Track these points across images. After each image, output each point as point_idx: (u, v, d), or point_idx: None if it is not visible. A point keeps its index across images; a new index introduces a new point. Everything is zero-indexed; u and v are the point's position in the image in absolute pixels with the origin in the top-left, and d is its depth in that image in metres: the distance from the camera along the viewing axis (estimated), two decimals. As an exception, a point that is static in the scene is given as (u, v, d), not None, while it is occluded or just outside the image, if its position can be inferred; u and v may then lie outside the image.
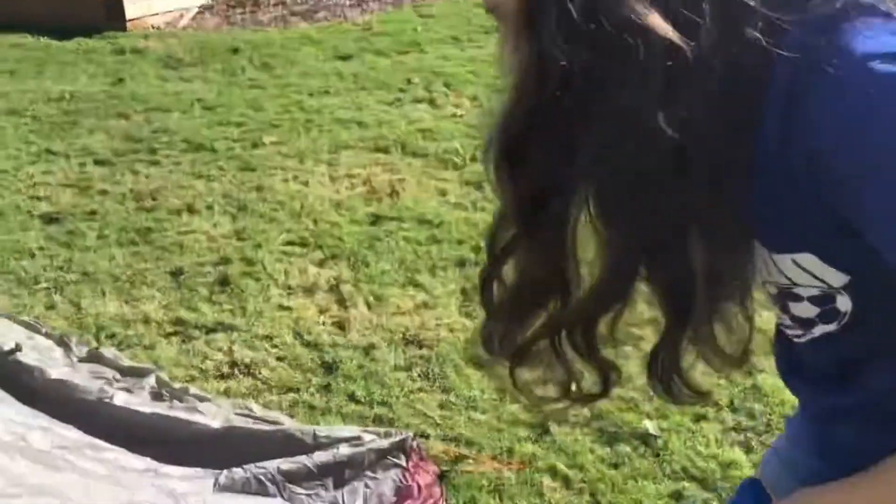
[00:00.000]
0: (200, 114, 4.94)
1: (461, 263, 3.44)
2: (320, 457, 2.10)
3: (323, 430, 2.18)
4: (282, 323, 3.07)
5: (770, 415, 2.57)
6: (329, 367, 2.84)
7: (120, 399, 2.06)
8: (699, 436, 2.50)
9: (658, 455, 2.43)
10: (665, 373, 0.79)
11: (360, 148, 4.52)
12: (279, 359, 2.88)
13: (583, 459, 2.42)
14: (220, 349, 2.92)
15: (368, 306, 3.18)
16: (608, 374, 0.82)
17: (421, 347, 2.94)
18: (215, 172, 4.23)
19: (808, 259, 0.74)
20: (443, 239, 3.62)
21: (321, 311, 3.16)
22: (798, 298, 0.80)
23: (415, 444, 2.23)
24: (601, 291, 0.74)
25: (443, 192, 4.04)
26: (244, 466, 2.05)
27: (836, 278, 0.75)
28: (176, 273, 3.37)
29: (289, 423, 2.29)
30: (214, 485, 2.00)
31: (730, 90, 0.66)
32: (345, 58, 5.96)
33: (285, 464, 2.07)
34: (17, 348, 2.05)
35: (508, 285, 0.80)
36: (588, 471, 2.38)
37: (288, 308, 3.17)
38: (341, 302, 3.21)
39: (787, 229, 0.74)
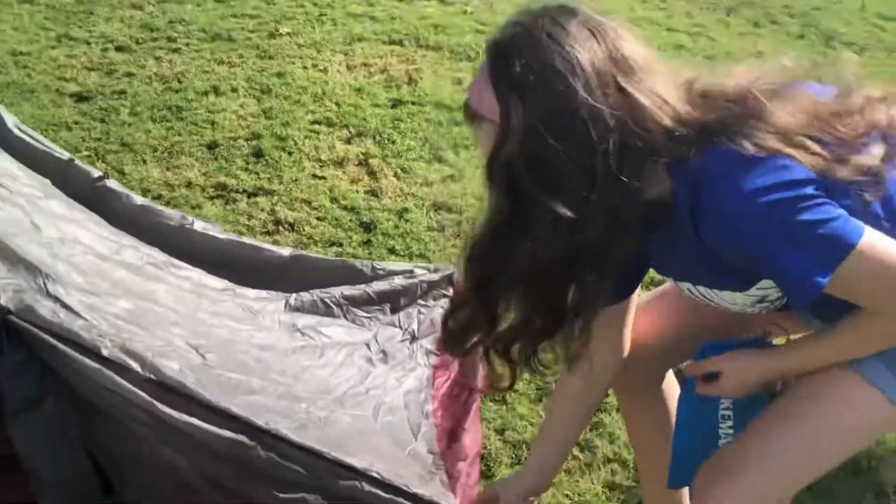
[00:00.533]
0: (213, 6, 4.98)
1: (482, 142, 3.62)
2: (378, 286, 2.30)
3: (379, 264, 2.37)
4: (318, 189, 3.25)
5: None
6: (367, 227, 3.03)
7: (199, 226, 2.24)
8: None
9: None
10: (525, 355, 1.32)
11: (374, 40, 4.63)
12: (319, 219, 3.07)
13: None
14: (262, 210, 3.09)
15: (397, 177, 3.36)
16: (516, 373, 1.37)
17: (450, 212, 3.14)
18: (236, 59, 4.32)
19: (765, 283, 1.26)
20: (461, 121, 3.77)
21: (353, 181, 3.33)
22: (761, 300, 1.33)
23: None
24: (515, 328, 1.29)
25: (458, 82, 4.19)
26: (311, 291, 2.25)
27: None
28: (211, 146, 3.52)
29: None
30: (285, 306, 2.20)
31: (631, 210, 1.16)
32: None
33: (348, 290, 2.27)
34: (106, 175, 2.20)
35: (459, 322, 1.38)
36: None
37: (322, 177, 3.34)
38: (372, 173, 3.38)
39: (743, 276, 1.27)
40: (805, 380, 1.33)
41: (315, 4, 5.09)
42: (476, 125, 1.24)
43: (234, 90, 4.01)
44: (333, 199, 3.20)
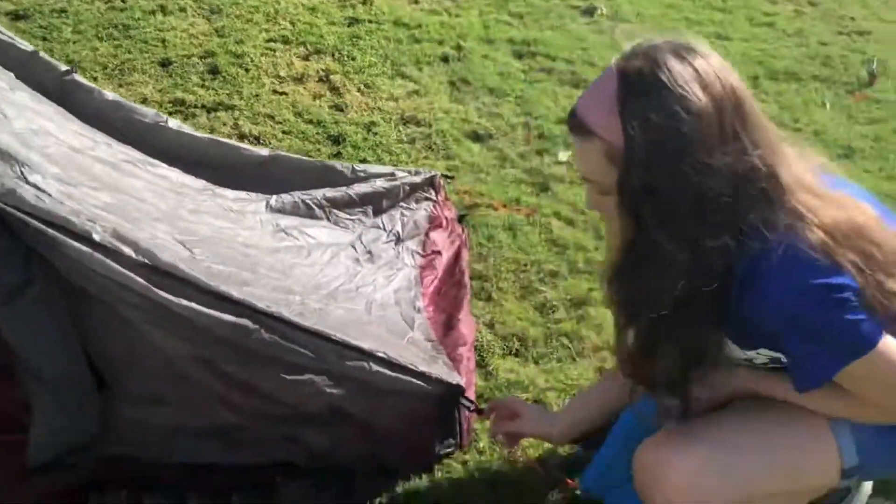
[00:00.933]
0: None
1: (444, 59, 3.56)
2: (360, 188, 2.26)
3: (360, 166, 2.32)
4: (280, 104, 3.15)
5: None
6: (336, 139, 2.96)
7: (173, 124, 2.14)
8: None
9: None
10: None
11: (324, -39, 4.48)
12: (285, 132, 2.98)
13: (583, 206, 2.66)
14: (225, 124, 2.99)
15: (361, 93, 3.28)
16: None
17: (419, 125, 3.09)
18: (180, -21, 4.13)
19: (764, 351, 1.30)
20: (422, 39, 3.71)
21: (316, 97, 3.24)
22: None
23: (441, 181, 2.41)
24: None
25: (415, 0, 4.10)
26: (292, 193, 2.19)
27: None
28: (164, 63, 3.36)
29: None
30: (266, 206, 2.14)
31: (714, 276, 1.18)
32: None
33: (330, 192, 2.22)
34: (73, 69, 2.08)
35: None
36: (587, 215, 2.62)
37: (283, 93, 3.24)
38: (334, 89, 3.29)
39: (756, 342, 1.29)
40: (782, 405, 1.33)
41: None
42: (583, 138, 1.23)
43: (182, 9, 3.83)
44: (297, 114, 3.10)
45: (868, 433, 1.30)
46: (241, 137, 2.91)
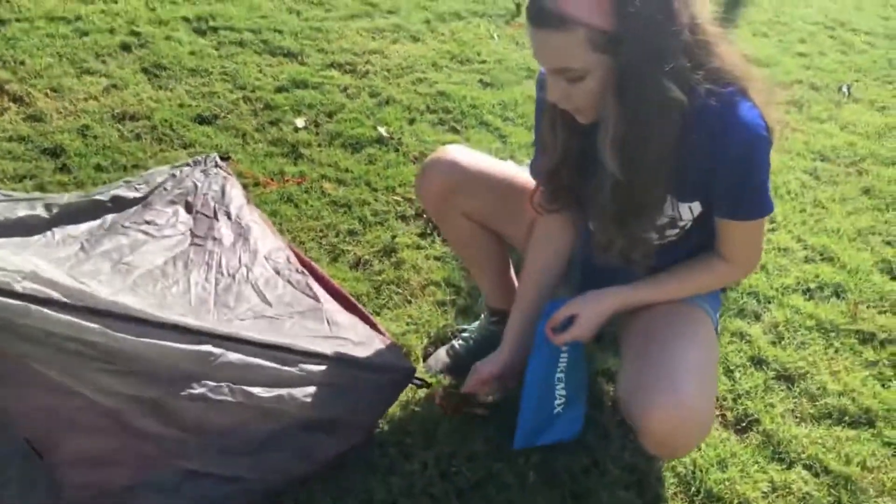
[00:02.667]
0: None
1: (125, 48, 3.31)
2: (155, 198, 2.09)
3: (136, 181, 2.13)
4: (-38, 127, 2.71)
5: (459, 107, 3.14)
6: (53, 152, 2.65)
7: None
8: (418, 131, 2.98)
9: (397, 150, 2.85)
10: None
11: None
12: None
13: (345, 164, 2.74)
14: None
15: (52, 98, 2.94)
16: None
17: (137, 120, 2.88)
18: None
19: (696, 205, 1.47)
20: (90, 30, 3.40)
21: (0, 112, 2.84)
22: (675, 225, 1.53)
23: (219, 160, 2.31)
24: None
25: (57, -8, 3.71)
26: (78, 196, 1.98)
27: (697, 209, 1.49)
28: None
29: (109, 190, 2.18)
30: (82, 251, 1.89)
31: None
32: None
33: (132, 216, 2.03)
34: None
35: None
36: (353, 171, 2.71)
37: (-43, 114, 2.78)
38: (18, 100, 2.91)
39: (691, 189, 1.45)
40: (662, 312, 1.56)
41: None
42: (561, 30, 1.29)
43: None
44: (13, 139, 2.70)
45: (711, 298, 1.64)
46: (-64, 172, 2.47)
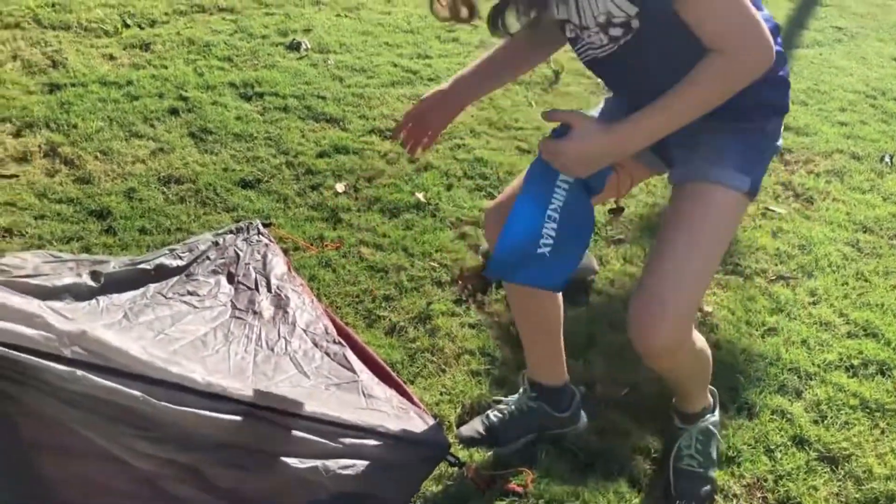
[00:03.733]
0: None
1: (174, 112, 3.41)
2: (197, 267, 2.14)
3: (180, 248, 2.18)
4: (15, 189, 2.80)
5: (497, 174, 3.18)
6: (100, 214, 2.72)
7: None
8: (455, 197, 3.00)
9: (434, 215, 2.88)
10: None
11: (-16, 26, 4.01)
12: (38, 217, 2.66)
13: (383, 230, 2.77)
14: (-40, 222, 2.59)
15: (101, 161, 3.04)
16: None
17: (182, 183, 2.95)
18: None
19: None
20: (140, 95, 3.52)
21: (51, 173, 2.93)
22: (613, 24, 1.45)
23: (261, 227, 2.34)
24: None
25: (111, 57, 3.85)
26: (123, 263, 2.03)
27: (631, 9, 1.40)
28: None
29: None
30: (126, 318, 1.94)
31: None
32: None
33: (175, 285, 2.07)
34: None
35: None
36: (390, 236, 2.74)
37: (12, 176, 2.88)
38: (69, 162, 3.00)
39: None
40: (676, 207, 1.59)
41: None
42: None
43: None
44: (40, 195, 2.79)
45: (738, 158, 1.56)
46: (-11, 233, 2.56)
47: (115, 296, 1.94)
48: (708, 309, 2.51)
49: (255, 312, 1.98)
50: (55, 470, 1.45)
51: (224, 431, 1.50)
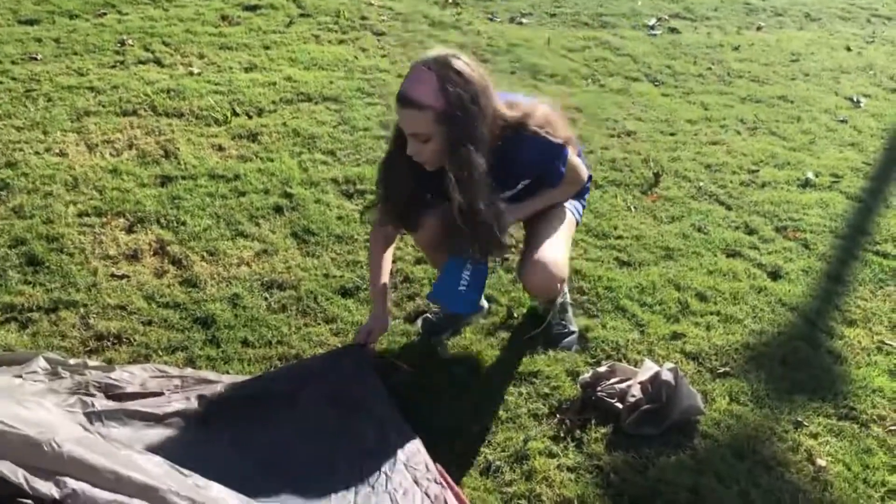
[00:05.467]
0: None
1: (278, 210, 3.49)
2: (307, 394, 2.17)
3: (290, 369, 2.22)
4: (125, 291, 2.90)
5: (595, 289, 3.11)
6: (204, 322, 2.78)
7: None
8: (555, 314, 2.94)
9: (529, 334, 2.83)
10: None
11: (104, 113, 4.21)
12: (145, 324, 2.74)
13: (477, 348, 2.74)
14: (73, 326, 2.68)
15: (207, 262, 3.12)
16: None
17: (284, 289, 2.99)
18: (-55, 152, 3.67)
19: (525, 181, 2.54)
20: (247, 190, 3.61)
21: (159, 274, 3.03)
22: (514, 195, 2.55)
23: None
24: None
25: (220, 148, 3.99)
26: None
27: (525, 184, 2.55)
28: (-32, 261, 2.96)
29: (228, 378, 2.30)
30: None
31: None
32: (32, 22, 5.36)
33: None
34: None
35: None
36: (483, 356, 2.70)
37: (123, 276, 2.98)
38: (176, 262, 3.10)
39: (515, 181, 2.52)
40: (541, 216, 2.63)
41: (14, 79, 4.49)
42: (419, 111, 2.21)
43: (-38, 190, 3.40)
44: (148, 298, 2.87)
45: (570, 202, 2.74)
46: (100, 338, 2.64)
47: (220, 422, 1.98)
48: (821, 462, 2.37)
49: (356, 438, 1.98)
50: None
51: None
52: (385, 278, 2.61)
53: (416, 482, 2.01)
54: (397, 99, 2.23)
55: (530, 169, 2.47)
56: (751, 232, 3.64)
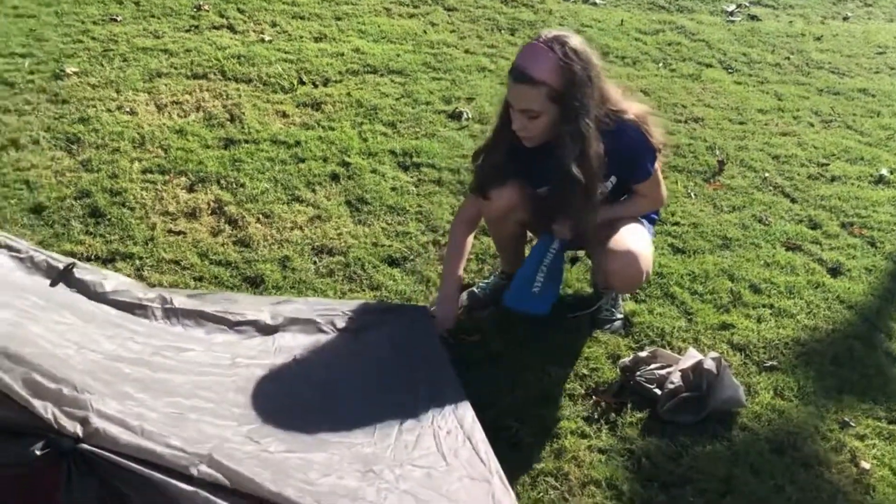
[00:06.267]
0: (-32, 45, 4.36)
1: (334, 177, 3.53)
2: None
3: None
4: (181, 247, 2.98)
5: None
6: (254, 281, 2.84)
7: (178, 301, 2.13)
8: (602, 296, 2.91)
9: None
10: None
11: (176, 75, 4.32)
12: (197, 279, 2.82)
13: (519, 327, 2.73)
14: (128, 276, 2.77)
15: (262, 224, 3.18)
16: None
17: (333, 255, 3.04)
18: (25, 107, 3.82)
19: (614, 178, 2.52)
20: (306, 157, 3.66)
21: (215, 233, 3.10)
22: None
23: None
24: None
25: (284, 114, 4.04)
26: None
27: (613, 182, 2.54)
28: (36, 209, 3.09)
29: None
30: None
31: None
32: (114, -16, 5.51)
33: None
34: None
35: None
36: (526, 335, 2.69)
37: (179, 232, 3.07)
38: (232, 222, 3.17)
39: (610, 173, 2.48)
40: (621, 224, 2.56)
41: (94, 39, 4.63)
42: (532, 86, 2.26)
43: (37, 142, 3.54)
44: (202, 255, 2.95)
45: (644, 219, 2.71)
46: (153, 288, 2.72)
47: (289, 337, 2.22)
48: (865, 465, 2.30)
49: (409, 383, 2.10)
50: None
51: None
52: (462, 266, 2.62)
53: (460, 425, 2.05)
54: (511, 74, 2.26)
55: (623, 162, 2.43)
56: (814, 226, 3.52)
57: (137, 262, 2.86)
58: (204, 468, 1.44)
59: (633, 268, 2.46)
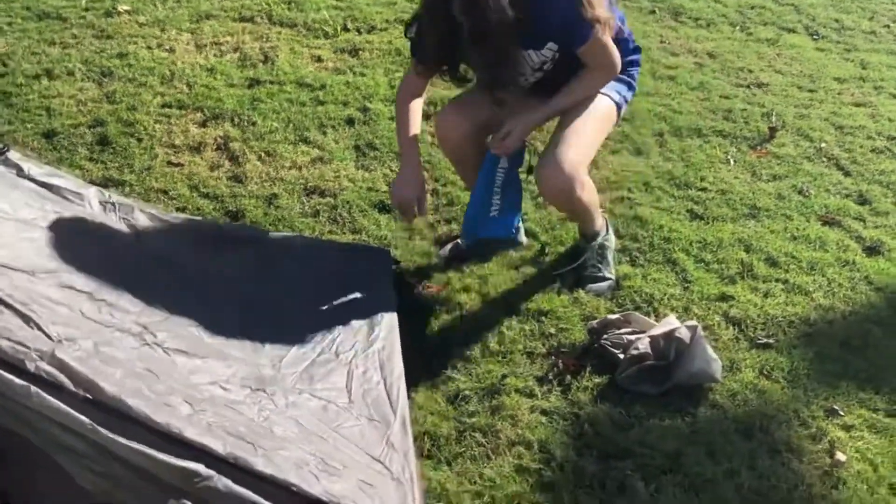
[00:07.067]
0: (36, -18, 4.52)
1: (350, 122, 3.45)
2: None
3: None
4: (174, 178, 2.99)
5: (651, 238, 2.84)
6: (233, 215, 2.82)
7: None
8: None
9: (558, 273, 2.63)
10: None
11: (223, 17, 4.34)
12: (179, 209, 2.82)
13: (496, 280, 2.59)
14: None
15: (262, 161, 3.15)
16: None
17: (324, 196, 2.97)
18: (69, 40, 3.93)
19: (552, 45, 2.27)
20: (326, 101, 3.60)
21: (213, 167, 3.09)
22: (543, 67, 2.35)
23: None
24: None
25: (318, 59, 3.99)
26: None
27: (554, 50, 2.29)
28: (49, 134, 3.17)
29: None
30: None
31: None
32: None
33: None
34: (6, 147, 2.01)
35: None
36: (500, 288, 2.55)
37: (178, 164, 3.08)
38: (233, 158, 3.15)
39: (541, 41, 2.26)
40: (571, 116, 2.38)
41: (152, -20, 4.72)
42: None
43: (71, 73, 3.64)
44: (193, 188, 2.95)
45: (613, 85, 2.46)
46: (132, 217, 2.74)
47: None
48: (841, 457, 2.04)
49: (343, 322, 2.05)
50: (18, 486, 1.48)
51: (171, 475, 1.44)
52: (416, 129, 2.40)
53: (381, 367, 1.96)
54: None
55: (556, 28, 2.22)
56: (863, 202, 3.17)
57: (127, 189, 2.89)
58: (42, 364, 1.40)
59: (559, 177, 2.28)
